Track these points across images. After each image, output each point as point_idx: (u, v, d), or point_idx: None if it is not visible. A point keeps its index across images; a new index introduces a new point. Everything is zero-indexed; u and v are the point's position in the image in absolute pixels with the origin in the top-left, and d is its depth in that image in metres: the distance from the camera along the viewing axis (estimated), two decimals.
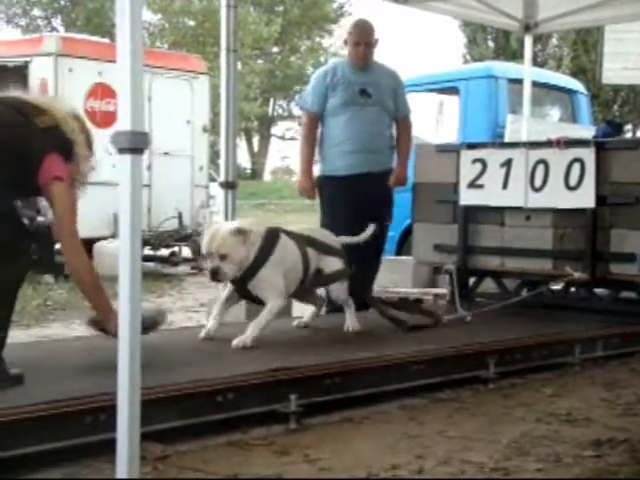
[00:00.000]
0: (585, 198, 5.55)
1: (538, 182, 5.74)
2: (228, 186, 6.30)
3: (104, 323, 3.70)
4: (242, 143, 37.24)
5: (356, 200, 5.78)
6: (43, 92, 10.63)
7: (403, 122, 6.15)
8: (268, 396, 3.70)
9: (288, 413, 3.66)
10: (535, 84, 8.61)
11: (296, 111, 39.14)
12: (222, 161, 6.38)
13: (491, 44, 25.11)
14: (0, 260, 3.36)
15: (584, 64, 22.95)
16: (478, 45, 24.88)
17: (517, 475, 3.09)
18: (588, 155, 5.55)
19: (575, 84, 10.67)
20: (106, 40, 13.66)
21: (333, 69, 6.17)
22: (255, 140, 40.58)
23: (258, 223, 4.65)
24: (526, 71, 8.34)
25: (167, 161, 11.72)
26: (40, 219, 8.20)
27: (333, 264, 4.87)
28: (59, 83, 10.53)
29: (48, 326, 6.33)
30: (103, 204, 10.07)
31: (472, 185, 6.00)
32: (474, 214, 6.09)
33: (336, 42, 37.98)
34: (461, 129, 9.20)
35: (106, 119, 10.58)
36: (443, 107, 9.89)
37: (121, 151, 2.59)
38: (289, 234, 4.71)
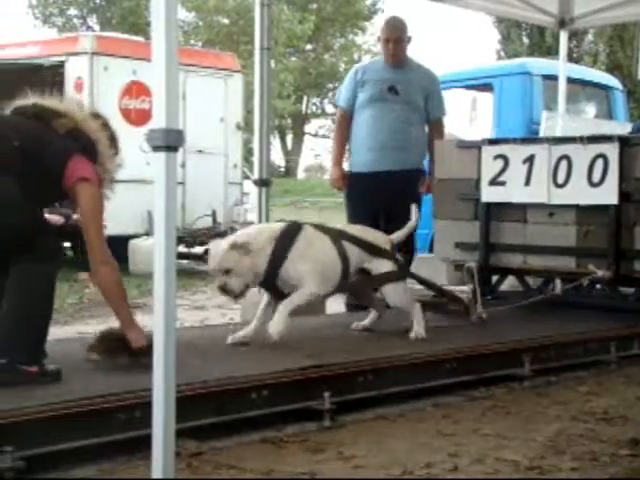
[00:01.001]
0: (608, 195, 5.42)
1: (561, 178, 5.61)
2: (262, 184, 6.31)
3: (125, 335, 3.66)
4: (275, 141, 37.35)
5: (376, 199, 5.77)
6: (79, 91, 10.74)
7: (436, 125, 6.11)
8: (302, 393, 3.70)
9: (322, 410, 3.66)
10: (570, 80, 8.54)
11: (329, 109, 39.18)
12: (256, 159, 6.40)
13: (526, 40, 24.95)
14: (30, 262, 3.41)
15: (620, 60, 22.71)
16: (513, 41, 24.73)
17: (552, 474, 3.07)
18: (612, 151, 5.42)
19: (611, 80, 10.56)
20: (141, 38, 13.73)
21: (366, 66, 6.22)
22: (289, 138, 40.65)
23: (272, 227, 4.51)
24: (561, 67, 8.26)
25: (201, 159, 11.77)
26: (75, 217, 8.28)
27: (381, 265, 4.68)
28: (94, 82, 10.62)
29: (84, 323, 6.39)
30: (138, 202, 10.16)
31: (494, 182, 5.88)
32: (496, 211, 5.96)
33: (369, 39, 37.96)
34: (495, 126, 9.15)
35: (141, 117, 10.65)
36: (477, 104, 9.84)
37: (156, 149, 2.60)
38: (320, 228, 4.61)
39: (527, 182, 5.73)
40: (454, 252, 6.13)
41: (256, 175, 6.37)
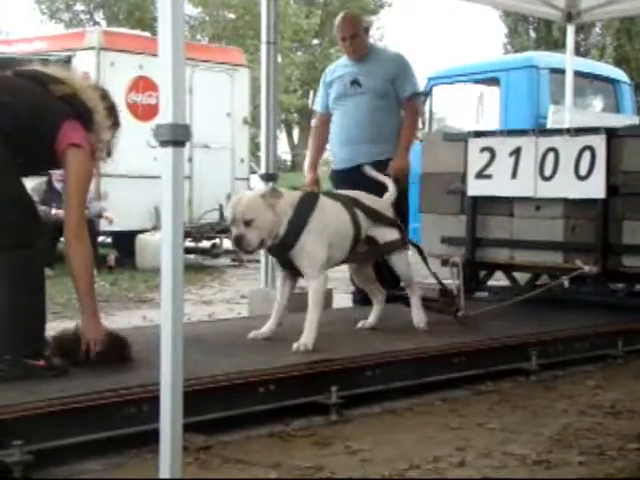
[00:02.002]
0: (595, 188, 5.31)
1: (548, 171, 5.49)
2: (268, 178, 6.32)
3: (81, 326, 3.57)
4: (282, 135, 37.29)
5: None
6: None
7: (407, 104, 5.84)
8: (309, 388, 3.71)
9: (329, 404, 3.67)
10: (577, 74, 8.52)
11: None
12: (262, 153, 6.41)
13: (533, 34, 24.86)
14: (9, 248, 3.32)
15: (628, 53, 22.63)
16: (519, 35, 24.65)
17: (560, 468, 3.07)
18: (599, 143, 5.31)
19: (618, 73, 10.54)
20: (147, 34, 13.73)
21: (332, 67, 6.15)
22: (295, 132, 40.59)
23: (292, 193, 4.39)
24: (568, 61, 8.24)
25: (208, 154, 11.77)
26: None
27: (387, 233, 4.58)
28: (101, 77, 10.60)
29: (111, 316, 6.40)
30: (145, 197, 10.17)
31: (480, 175, 5.76)
32: (482, 205, 5.86)
33: (375, 33, 37.85)
34: (502, 120, 9.14)
35: (147, 112, 10.65)
36: (483, 98, 9.82)
37: (163, 144, 2.60)
38: (333, 195, 4.54)
39: (514, 175, 5.62)
40: (441, 247, 6.01)
41: (263, 169, 6.37)
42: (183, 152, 2.65)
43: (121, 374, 3.48)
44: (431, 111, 10.34)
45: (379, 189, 4.97)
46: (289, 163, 38.69)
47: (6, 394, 3.10)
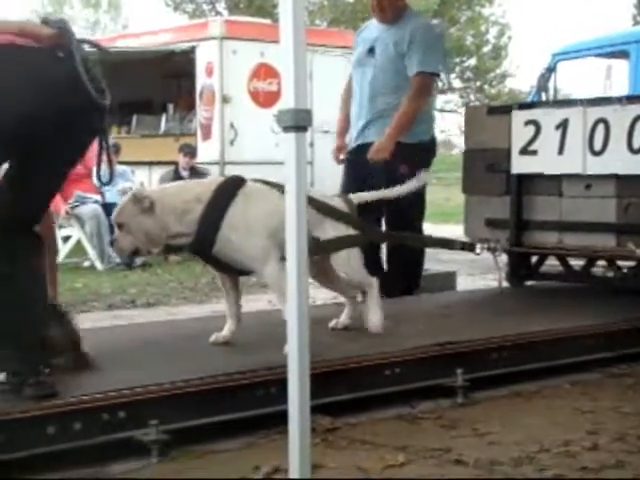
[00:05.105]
0: None
1: (598, 145, 4.99)
2: None
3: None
4: None
5: (362, 176, 4.97)
6: (209, 75, 10.96)
7: (413, 81, 5.07)
8: (435, 370, 3.70)
9: (455, 387, 3.65)
10: None
11: (456, 83, 38.60)
12: None
13: None
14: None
15: None
16: None
17: None
18: None
19: None
20: (268, 21, 13.88)
21: (365, 25, 5.52)
22: None
23: (201, 184, 3.92)
24: None
25: (328, 138, 11.82)
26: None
27: (332, 229, 3.89)
28: (224, 65, 10.80)
29: (218, 302, 6.54)
30: None
31: (525, 151, 5.26)
32: (528, 184, 5.35)
33: (496, 11, 37.13)
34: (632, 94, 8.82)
35: (269, 99, 10.78)
36: (611, 72, 9.51)
37: (286, 129, 2.63)
38: (269, 183, 3.83)
39: (560, 150, 5.13)
40: (484, 230, 5.49)
41: None
42: (305, 137, 2.67)
43: (249, 356, 3.55)
44: (555, 88, 10.08)
45: (392, 174, 4.64)
46: None
47: (137, 376, 3.22)
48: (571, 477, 2.77)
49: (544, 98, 9.62)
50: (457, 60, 37.83)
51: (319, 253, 3.88)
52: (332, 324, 4.12)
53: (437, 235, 5.13)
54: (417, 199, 4.93)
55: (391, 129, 5.05)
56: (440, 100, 41.22)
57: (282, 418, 2.65)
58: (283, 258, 3.46)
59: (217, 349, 3.71)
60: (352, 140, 5.31)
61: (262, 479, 2.76)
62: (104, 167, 3.21)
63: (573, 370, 4.09)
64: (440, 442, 3.10)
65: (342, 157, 5.37)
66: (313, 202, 3.72)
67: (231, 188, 3.72)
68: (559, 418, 3.41)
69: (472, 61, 37.61)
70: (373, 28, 5.29)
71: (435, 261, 7.07)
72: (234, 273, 3.83)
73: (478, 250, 4.49)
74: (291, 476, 2.51)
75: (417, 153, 5.07)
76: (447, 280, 6.29)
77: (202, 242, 3.63)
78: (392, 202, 4.52)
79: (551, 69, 9.90)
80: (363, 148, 5.12)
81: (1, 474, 2.74)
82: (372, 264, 4.51)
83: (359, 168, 4.83)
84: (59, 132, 2.94)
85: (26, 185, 3.03)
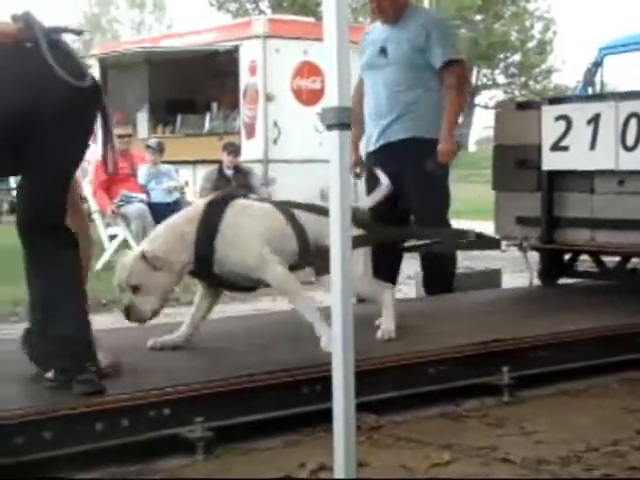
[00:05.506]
0: None
1: (631, 140, 4.85)
2: None
3: None
4: None
5: (389, 176, 4.62)
6: (253, 74, 11.01)
7: (444, 74, 5.00)
8: (480, 368, 3.68)
9: (501, 385, 3.62)
10: None
11: (501, 79, 38.32)
12: None
13: None
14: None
15: None
16: None
17: None
18: None
19: None
20: (311, 19, 13.90)
21: (371, 29, 5.45)
22: None
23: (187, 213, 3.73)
24: None
25: None
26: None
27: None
28: (267, 64, 10.85)
29: (259, 300, 6.57)
30: (311, 181, 10.32)
31: (556, 147, 5.14)
32: (559, 180, 5.22)
33: (541, 5, 36.76)
34: None
35: (312, 97, 10.79)
36: None
37: (329, 127, 2.63)
38: (257, 199, 3.79)
39: (592, 146, 5.00)
40: (515, 228, 5.39)
41: None
42: (349, 135, 2.67)
43: (294, 354, 3.56)
44: (602, 82, 9.96)
45: (420, 171, 4.64)
46: None
47: (182, 374, 3.24)
48: (619, 477, 2.74)
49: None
50: (501, 56, 37.55)
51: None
52: (378, 322, 4.07)
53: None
54: (440, 191, 5.06)
55: (446, 126, 5.03)
56: (484, 96, 41.00)
57: (327, 416, 2.66)
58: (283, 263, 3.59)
59: (261, 346, 3.72)
60: (370, 143, 5.24)
61: (307, 479, 2.77)
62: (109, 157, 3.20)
63: (621, 368, 4.04)
64: (486, 440, 3.08)
65: (358, 170, 5.33)
66: (316, 209, 3.75)
67: (221, 204, 3.63)
68: (607, 417, 3.37)
69: (517, 57, 37.30)
70: (379, 30, 5.28)
71: (480, 258, 7.02)
72: (240, 290, 3.80)
73: (504, 247, 4.46)
74: (336, 476, 2.51)
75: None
76: (492, 278, 6.24)
77: (201, 265, 3.54)
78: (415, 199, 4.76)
79: (598, 63, 9.78)
80: (386, 148, 5.10)
81: (50, 470, 2.78)
82: (387, 268, 4.52)
83: (385, 168, 4.66)
84: (44, 120, 2.93)
85: (31, 182, 3.03)
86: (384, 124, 5.13)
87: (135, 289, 3.42)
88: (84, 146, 3.15)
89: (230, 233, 3.54)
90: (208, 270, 3.55)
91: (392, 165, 4.76)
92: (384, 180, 4.34)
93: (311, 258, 3.74)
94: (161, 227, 3.67)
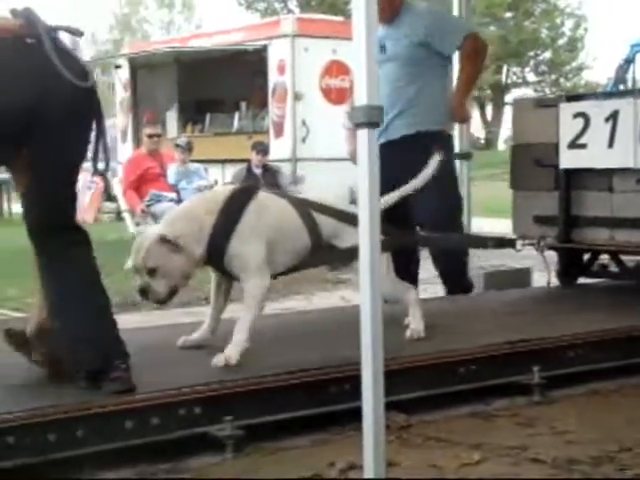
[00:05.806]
0: None
1: None
2: (462, 157, 6.22)
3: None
4: (475, 112, 36.75)
5: (395, 175, 4.49)
6: (281, 73, 11.04)
7: (462, 50, 5.09)
8: (510, 368, 3.66)
9: (531, 385, 3.60)
10: None
11: (531, 77, 38.10)
12: (456, 131, 6.30)
13: None
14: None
15: None
16: None
17: None
18: None
19: None
20: (339, 18, 13.90)
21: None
22: (488, 109, 39.92)
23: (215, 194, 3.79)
24: None
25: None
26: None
27: (351, 236, 3.51)
28: (296, 63, 10.86)
29: (292, 298, 6.58)
30: (339, 179, 10.32)
31: (573, 145, 5.07)
32: (577, 179, 5.16)
33: (572, 2, 36.52)
34: None
35: (340, 96, 10.79)
36: None
37: (358, 126, 2.63)
38: (280, 194, 3.80)
39: (610, 144, 4.92)
40: (533, 227, 5.32)
41: (457, 149, 6.29)
42: (377, 133, 2.67)
43: (323, 353, 3.56)
44: (634, 79, 9.87)
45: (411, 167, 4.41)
46: (483, 141, 38.10)
47: (212, 372, 3.25)
48: None
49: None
50: (532, 53, 37.36)
51: (336, 262, 3.89)
52: (407, 321, 4.03)
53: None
54: (449, 193, 5.01)
55: (457, 95, 5.09)
56: (514, 94, 40.79)
57: (356, 415, 2.66)
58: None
59: (291, 345, 3.72)
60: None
61: (336, 478, 2.77)
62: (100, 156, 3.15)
63: None
64: (516, 440, 3.06)
65: None
66: (329, 210, 3.73)
67: (244, 198, 3.60)
68: (639, 417, 3.34)
69: (547, 54, 37.08)
70: (380, 30, 5.20)
71: (509, 257, 6.98)
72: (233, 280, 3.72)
73: (519, 247, 4.44)
74: (366, 475, 2.51)
75: (448, 139, 5.21)
76: (522, 277, 6.20)
77: (214, 252, 3.51)
78: (423, 202, 4.57)
79: (630, 60, 9.71)
80: (388, 146, 5.00)
81: (80, 468, 2.79)
82: (405, 271, 4.46)
83: (388, 167, 4.71)
84: (48, 120, 2.90)
85: (36, 183, 3.00)
86: (387, 120, 5.08)
87: (152, 271, 3.39)
88: (86, 146, 3.14)
89: (246, 226, 3.51)
90: (219, 259, 3.52)
91: (397, 162, 4.69)
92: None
93: (323, 254, 3.73)
94: (179, 210, 3.66)
